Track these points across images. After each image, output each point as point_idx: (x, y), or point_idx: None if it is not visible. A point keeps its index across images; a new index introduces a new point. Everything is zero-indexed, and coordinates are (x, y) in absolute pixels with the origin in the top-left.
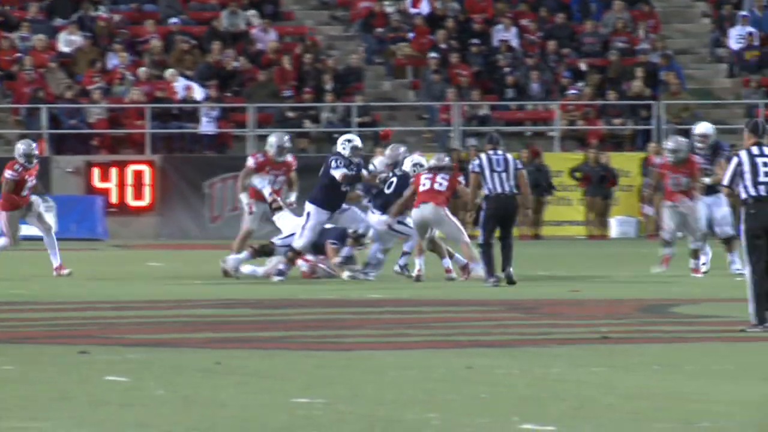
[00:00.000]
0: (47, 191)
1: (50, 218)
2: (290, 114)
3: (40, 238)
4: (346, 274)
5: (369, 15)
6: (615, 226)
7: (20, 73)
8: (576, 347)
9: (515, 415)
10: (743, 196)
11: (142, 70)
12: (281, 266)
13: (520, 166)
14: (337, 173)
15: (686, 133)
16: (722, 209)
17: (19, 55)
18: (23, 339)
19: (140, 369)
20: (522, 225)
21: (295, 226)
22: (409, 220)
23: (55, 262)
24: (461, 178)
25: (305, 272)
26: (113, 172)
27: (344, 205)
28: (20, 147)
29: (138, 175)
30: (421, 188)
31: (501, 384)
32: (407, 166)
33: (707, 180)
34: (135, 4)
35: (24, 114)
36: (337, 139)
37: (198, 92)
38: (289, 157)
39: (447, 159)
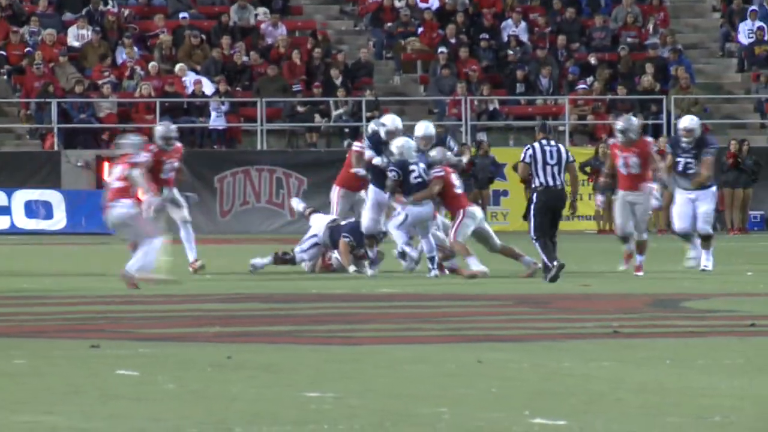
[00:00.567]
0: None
1: (185, 211)
2: (300, 108)
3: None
4: (351, 268)
5: (378, 9)
6: None
7: (29, 68)
8: (587, 342)
9: (526, 409)
10: None
11: (152, 65)
12: (370, 254)
13: (572, 158)
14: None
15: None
16: (706, 206)
17: (28, 49)
18: (35, 333)
19: (151, 363)
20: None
21: (318, 227)
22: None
23: (191, 256)
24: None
25: (325, 263)
26: None
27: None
28: (159, 129)
29: None
30: (458, 191)
31: (512, 378)
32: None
33: (693, 180)
34: None
35: (33, 108)
36: (348, 133)
37: (207, 87)
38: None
39: (459, 157)
